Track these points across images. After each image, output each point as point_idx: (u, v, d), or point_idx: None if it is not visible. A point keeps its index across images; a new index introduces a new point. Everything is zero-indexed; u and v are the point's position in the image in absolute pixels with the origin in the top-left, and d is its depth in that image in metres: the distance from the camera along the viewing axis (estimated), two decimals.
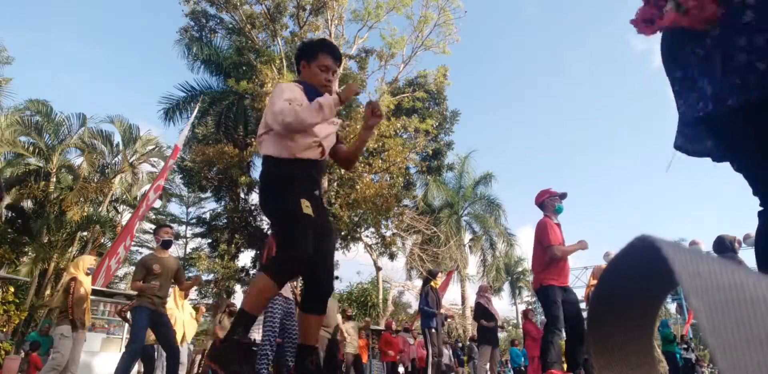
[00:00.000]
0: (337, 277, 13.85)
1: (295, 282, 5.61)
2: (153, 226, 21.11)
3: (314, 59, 2.46)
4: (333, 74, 2.51)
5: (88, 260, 5.23)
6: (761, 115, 0.99)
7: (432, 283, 6.92)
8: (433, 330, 6.58)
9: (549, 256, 4.15)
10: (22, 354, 9.22)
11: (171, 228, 5.25)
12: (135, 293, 4.72)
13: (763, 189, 1.05)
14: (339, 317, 7.23)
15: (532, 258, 4.37)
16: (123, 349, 7.98)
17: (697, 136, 1.20)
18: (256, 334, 7.29)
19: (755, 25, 0.95)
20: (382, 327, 13.21)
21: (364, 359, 10.17)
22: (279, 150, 2.25)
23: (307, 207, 2.15)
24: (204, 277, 16.59)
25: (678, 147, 1.26)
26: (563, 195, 4.42)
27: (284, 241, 2.14)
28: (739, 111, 1.00)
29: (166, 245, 4.83)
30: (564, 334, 4.15)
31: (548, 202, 4.36)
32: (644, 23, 1.27)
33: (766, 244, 1.01)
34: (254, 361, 4.84)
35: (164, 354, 6.96)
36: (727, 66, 0.99)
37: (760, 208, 1.05)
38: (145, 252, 23.23)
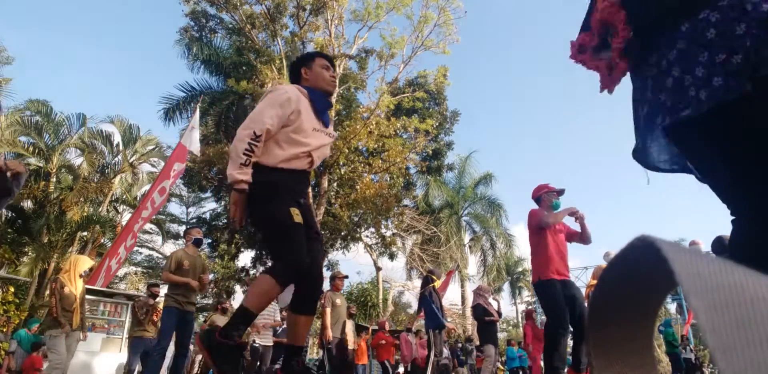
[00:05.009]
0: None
1: None
2: (153, 227, 21.15)
3: (312, 62, 2.53)
4: (334, 75, 2.58)
5: (86, 263, 5.21)
6: (715, 124, 1.03)
7: (433, 284, 6.92)
8: (437, 331, 6.61)
9: (540, 242, 4.06)
10: (16, 351, 9.15)
11: (200, 228, 5.72)
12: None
13: (729, 197, 1.07)
14: (349, 322, 7.23)
15: (530, 252, 4.24)
16: (123, 349, 8.00)
17: (649, 149, 1.23)
18: (256, 337, 7.28)
19: (717, 41, 1.00)
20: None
21: (365, 360, 10.17)
22: (266, 157, 2.27)
23: (297, 215, 2.18)
24: None
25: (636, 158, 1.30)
26: (561, 192, 4.36)
27: (281, 251, 2.17)
28: (696, 121, 1.04)
29: (197, 243, 5.20)
30: (568, 333, 3.94)
31: (545, 197, 4.30)
32: (577, 49, 1.32)
33: (738, 255, 1.01)
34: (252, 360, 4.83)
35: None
36: (684, 80, 1.05)
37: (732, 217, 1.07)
38: (146, 252, 23.26)
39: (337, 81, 14.44)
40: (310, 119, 2.36)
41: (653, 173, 1.29)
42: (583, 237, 4.27)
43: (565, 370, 3.98)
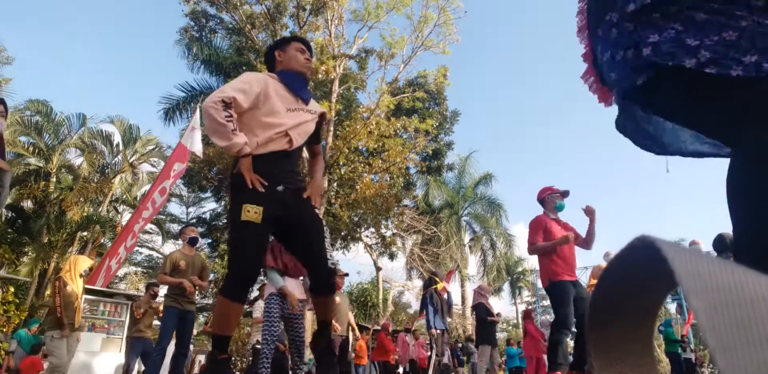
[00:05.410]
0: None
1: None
2: (153, 227, 21.17)
3: (288, 45, 2.51)
4: (309, 57, 2.54)
5: (86, 263, 5.21)
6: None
7: (436, 286, 6.92)
8: (438, 332, 6.62)
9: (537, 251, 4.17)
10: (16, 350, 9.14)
11: (195, 227, 5.65)
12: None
13: (714, 132, 1.05)
14: (351, 315, 7.21)
15: (538, 255, 4.25)
16: (123, 349, 8.00)
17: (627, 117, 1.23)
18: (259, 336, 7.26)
19: (619, 41, 1.07)
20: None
21: (365, 360, 10.16)
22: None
23: (248, 212, 2.12)
24: None
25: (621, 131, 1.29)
26: (565, 193, 4.38)
27: (229, 256, 2.22)
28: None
29: (192, 242, 5.15)
30: (570, 334, 4.05)
31: (549, 199, 4.32)
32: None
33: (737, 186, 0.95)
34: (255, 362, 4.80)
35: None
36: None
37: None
38: (146, 252, 23.26)
39: (337, 80, 14.45)
40: (283, 100, 2.33)
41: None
42: (587, 241, 4.26)
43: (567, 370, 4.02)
